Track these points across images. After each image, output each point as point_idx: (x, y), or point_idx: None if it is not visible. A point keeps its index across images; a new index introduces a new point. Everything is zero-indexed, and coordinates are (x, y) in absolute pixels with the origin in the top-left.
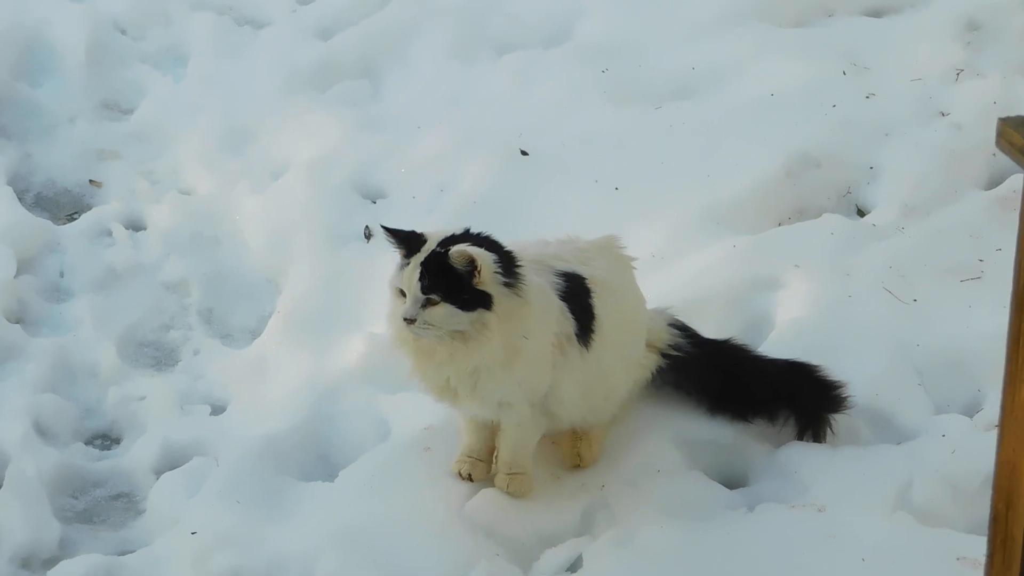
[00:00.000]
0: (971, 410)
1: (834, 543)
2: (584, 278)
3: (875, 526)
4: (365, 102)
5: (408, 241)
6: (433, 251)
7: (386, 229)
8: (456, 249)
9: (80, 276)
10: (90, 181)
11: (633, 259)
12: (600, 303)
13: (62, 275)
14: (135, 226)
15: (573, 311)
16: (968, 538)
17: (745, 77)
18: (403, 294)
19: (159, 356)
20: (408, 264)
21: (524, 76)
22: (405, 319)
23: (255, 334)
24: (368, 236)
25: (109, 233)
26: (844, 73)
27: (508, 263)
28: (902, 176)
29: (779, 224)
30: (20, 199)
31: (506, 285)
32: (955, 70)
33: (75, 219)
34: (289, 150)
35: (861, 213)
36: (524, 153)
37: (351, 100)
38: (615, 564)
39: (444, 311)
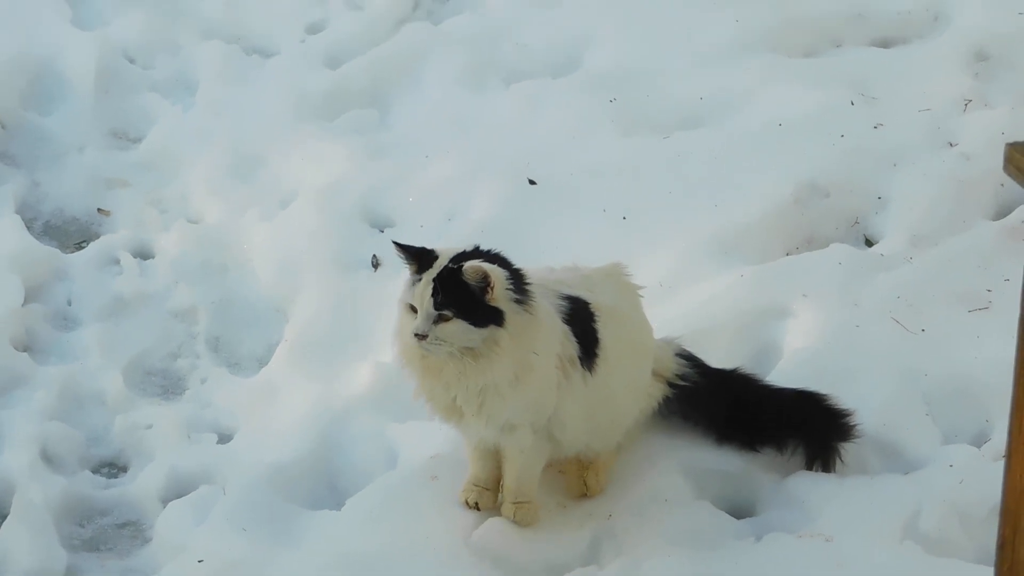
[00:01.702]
0: (979, 440)
1: (842, 573)
2: (588, 303)
3: (883, 556)
4: (373, 130)
5: (419, 257)
6: (446, 267)
7: (397, 245)
8: (470, 265)
9: (88, 304)
10: (98, 210)
11: (640, 287)
12: (604, 329)
13: (70, 303)
14: (143, 254)
15: (576, 334)
16: (976, 568)
17: (753, 106)
18: (413, 310)
19: (166, 384)
20: (420, 280)
21: (533, 105)
22: (416, 335)
23: (263, 362)
24: (376, 265)
25: (117, 261)
26: (852, 103)
27: (519, 280)
28: (910, 205)
29: (787, 253)
30: (29, 227)
31: (517, 302)
32: (963, 100)
33: (83, 247)
34: (297, 178)
35: (869, 243)
36: (532, 182)
37: (359, 128)
38: None
39: (456, 327)
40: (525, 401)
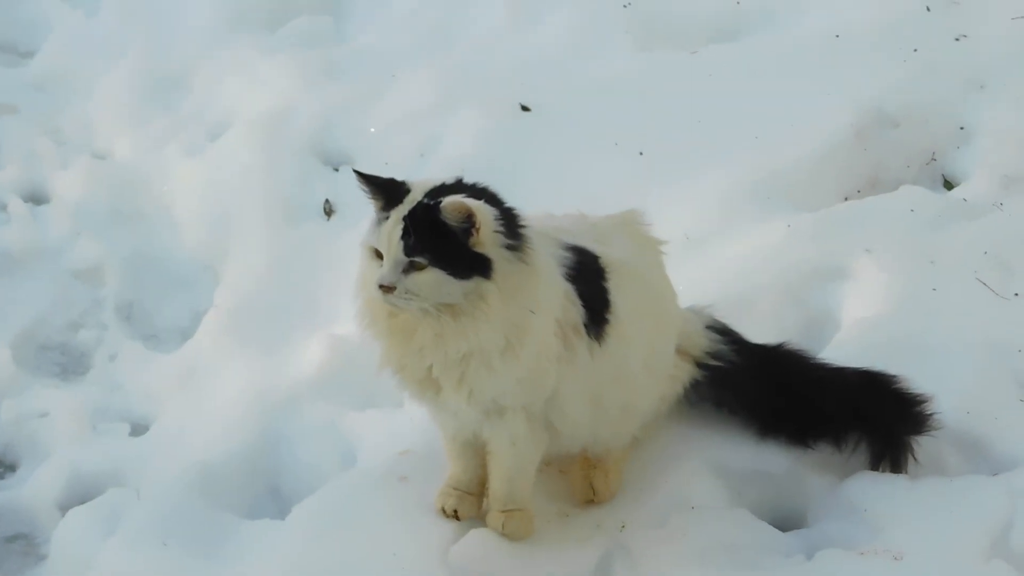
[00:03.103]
0: None
1: None
2: (597, 256)
3: None
4: (327, 42)
5: (387, 190)
6: (420, 203)
7: (360, 175)
8: (450, 200)
9: None
10: None
11: (661, 241)
12: (617, 290)
13: None
14: (36, 198)
15: (582, 295)
16: None
17: (804, 14)
18: (379, 255)
19: (65, 362)
20: (387, 219)
21: (528, 10)
22: (381, 286)
23: (187, 335)
24: (329, 212)
25: (3, 207)
26: (928, 8)
27: (511, 221)
28: (1000, 139)
29: (846, 198)
30: None
31: (509, 248)
32: None
33: None
34: (231, 103)
35: (949, 185)
36: (525, 108)
37: (308, 40)
38: None
39: (432, 278)
40: (516, 375)
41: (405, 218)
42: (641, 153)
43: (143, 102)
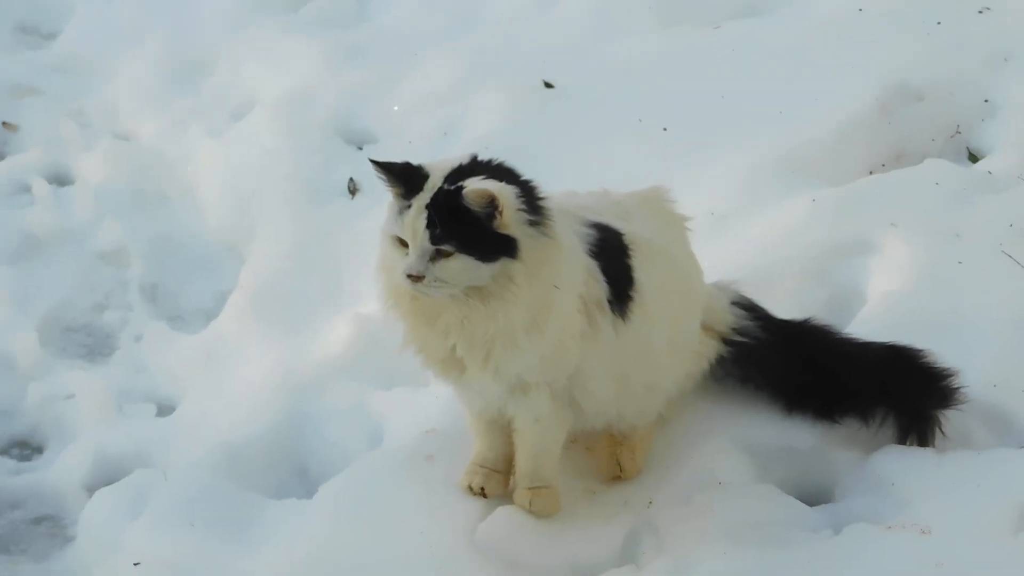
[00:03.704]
0: None
1: (941, 573)
2: (621, 233)
3: (993, 552)
4: (349, 23)
5: (406, 177)
6: (441, 190)
7: (376, 164)
8: (473, 188)
9: None
10: (3, 123)
11: (686, 218)
12: (641, 267)
13: None
14: (60, 180)
15: (606, 272)
16: None
17: None
18: (402, 243)
19: (91, 344)
20: (410, 207)
21: None
22: (410, 276)
23: (211, 315)
24: (353, 191)
25: (27, 189)
26: None
27: (531, 196)
28: None
29: (871, 172)
30: None
31: (531, 224)
32: None
33: None
34: (253, 84)
35: (974, 158)
36: (549, 85)
37: (331, 20)
38: None
39: (460, 264)
40: (541, 351)
41: (428, 206)
42: (665, 129)
43: (166, 84)
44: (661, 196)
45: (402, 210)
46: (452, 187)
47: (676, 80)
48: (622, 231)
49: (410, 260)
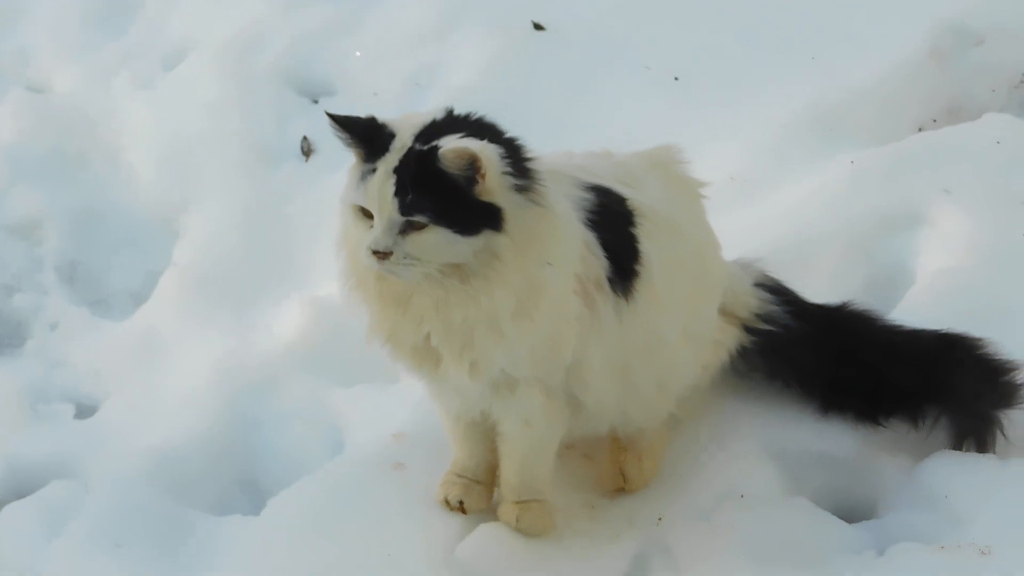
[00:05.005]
0: None
1: None
2: (624, 198)
3: None
4: None
5: (369, 135)
6: (411, 150)
7: (334, 119)
8: (450, 146)
9: None
10: None
11: (701, 183)
12: (648, 239)
13: None
14: None
15: (606, 245)
16: None
17: None
18: (367, 214)
19: None
20: (374, 172)
21: None
22: (376, 253)
23: (140, 299)
24: (308, 152)
25: None
26: None
27: (516, 157)
28: None
29: (920, 129)
30: None
31: (519, 190)
32: None
33: None
34: (190, 26)
35: None
36: (539, 27)
37: None
38: None
39: (434, 238)
40: (530, 341)
41: (396, 170)
42: (677, 79)
43: (86, 26)
44: (672, 157)
45: (365, 175)
46: (425, 147)
47: (690, 20)
48: (625, 196)
49: (375, 234)
